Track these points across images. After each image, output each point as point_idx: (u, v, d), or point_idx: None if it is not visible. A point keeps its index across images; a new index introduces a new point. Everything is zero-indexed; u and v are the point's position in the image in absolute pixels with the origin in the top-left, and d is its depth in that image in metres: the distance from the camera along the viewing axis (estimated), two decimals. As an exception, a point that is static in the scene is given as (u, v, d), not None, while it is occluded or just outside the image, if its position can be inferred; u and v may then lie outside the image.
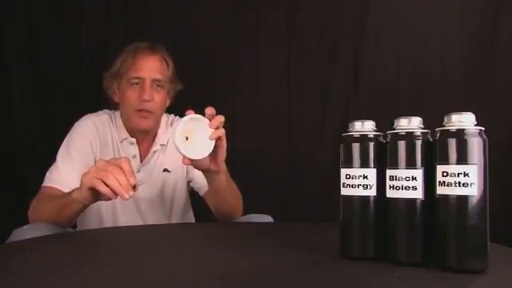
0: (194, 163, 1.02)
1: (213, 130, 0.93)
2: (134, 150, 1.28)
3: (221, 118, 0.95)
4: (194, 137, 0.92)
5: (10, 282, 0.53)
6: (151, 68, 1.24)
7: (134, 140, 1.28)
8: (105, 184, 0.88)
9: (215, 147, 0.96)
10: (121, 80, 1.26)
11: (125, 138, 1.27)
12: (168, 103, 1.32)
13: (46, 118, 1.80)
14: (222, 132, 0.95)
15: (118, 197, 0.89)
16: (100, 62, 1.82)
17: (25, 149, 1.79)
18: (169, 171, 1.31)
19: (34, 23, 1.81)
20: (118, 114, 1.31)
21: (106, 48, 1.83)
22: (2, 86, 1.79)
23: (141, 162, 1.29)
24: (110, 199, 0.92)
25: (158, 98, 1.25)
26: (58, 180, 1.15)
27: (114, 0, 1.84)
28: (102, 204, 1.24)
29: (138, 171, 1.27)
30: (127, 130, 1.28)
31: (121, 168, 0.89)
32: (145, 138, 1.29)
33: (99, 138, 1.26)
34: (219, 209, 1.22)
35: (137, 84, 1.23)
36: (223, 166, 1.06)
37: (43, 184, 1.17)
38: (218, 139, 0.95)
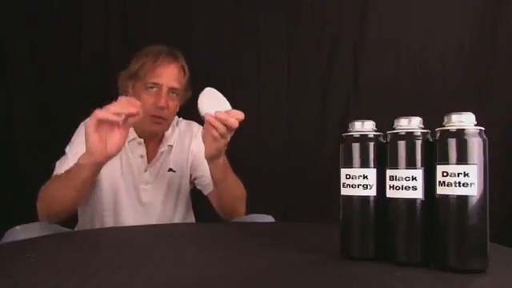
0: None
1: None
2: (142, 150, 1.28)
3: (236, 115, 0.96)
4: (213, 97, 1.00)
5: (10, 282, 0.53)
6: (170, 76, 1.24)
7: (141, 140, 1.28)
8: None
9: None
10: (136, 82, 1.25)
11: (133, 139, 1.27)
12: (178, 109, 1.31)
13: (46, 117, 1.80)
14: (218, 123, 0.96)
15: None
16: (100, 62, 1.82)
17: (25, 149, 1.79)
18: (173, 171, 1.31)
19: (34, 23, 1.81)
20: None
21: (106, 48, 1.83)
22: (2, 86, 1.79)
23: (148, 162, 1.29)
24: (117, 149, 0.94)
25: (173, 106, 1.25)
26: (63, 169, 1.12)
27: (114, 0, 1.84)
28: (106, 204, 1.25)
29: (145, 171, 1.28)
30: (135, 131, 1.27)
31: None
32: (152, 138, 1.30)
33: None
34: (222, 204, 1.22)
35: (152, 89, 1.22)
36: (218, 160, 1.06)
37: (53, 174, 1.16)
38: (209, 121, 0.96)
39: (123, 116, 0.92)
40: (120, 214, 1.26)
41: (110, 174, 1.23)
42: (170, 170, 1.31)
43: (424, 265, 0.59)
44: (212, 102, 0.99)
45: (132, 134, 1.27)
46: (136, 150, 1.28)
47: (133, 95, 1.27)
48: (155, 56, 1.24)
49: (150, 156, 1.30)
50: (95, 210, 1.26)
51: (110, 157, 0.95)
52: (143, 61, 1.24)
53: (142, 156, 1.28)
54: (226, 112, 0.95)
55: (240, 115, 0.95)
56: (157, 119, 1.23)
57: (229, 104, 0.97)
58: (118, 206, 1.26)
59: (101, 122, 0.90)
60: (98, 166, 0.97)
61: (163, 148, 1.31)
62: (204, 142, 1.05)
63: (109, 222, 1.25)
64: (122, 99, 0.94)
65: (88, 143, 0.92)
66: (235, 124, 0.96)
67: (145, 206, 1.29)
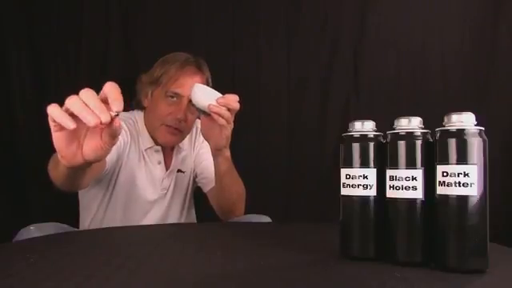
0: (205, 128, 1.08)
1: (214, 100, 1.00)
2: (160, 156, 1.27)
3: (234, 97, 1.01)
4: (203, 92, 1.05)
5: (10, 282, 0.53)
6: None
7: (159, 148, 1.27)
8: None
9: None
10: (157, 88, 1.22)
11: (150, 147, 1.26)
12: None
13: (45, 117, 1.80)
14: (220, 110, 0.99)
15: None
16: (100, 62, 1.82)
17: (25, 149, 1.79)
18: (182, 172, 1.31)
19: (33, 23, 1.81)
20: (140, 117, 1.28)
21: (106, 48, 1.83)
22: (2, 86, 1.79)
23: (166, 169, 1.28)
24: (94, 156, 0.68)
25: (191, 119, 1.22)
26: None
27: (114, 0, 1.84)
28: (118, 208, 1.24)
29: (165, 177, 1.28)
30: (152, 139, 1.26)
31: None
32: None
33: (128, 141, 1.22)
34: (223, 202, 1.22)
35: (172, 98, 1.20)
36: (224, 152, 1.10)
37: None
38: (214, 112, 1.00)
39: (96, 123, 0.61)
40: (130, 218, 1.25)
41: (130, 181, 1.22)
42: (179, 170, 1.31)
43: (424, 265, 0.59)
44: (206, 94, 1.01)
45: (148, 142, 1.26)
46: (153, 156, 1.27)
47: (150, 102, 1.25)
48: (180, 64, 1.21)
49: (167, 161, 1.29)
50: (105, 213, 1.25)
51: (87, 162, 0.70)
52: (167, 68, 1.21)
53: (159, 162, 1.27)
54: (223, 97, 1.00)
55: (236, 97, 1.01)
56: (171, 130, 1.21)
57: (219, 93, 1.02)
58: (131, 211, 1.25)
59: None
60: (75, 168, 0.73)
61: (181, 152, 1.30)
62: (209, 136, 1.07)
63: (117, 223, 1.25)
64: (107, 87, 0.64)
65: (54, 144, 0.68)
66: (237, 105, 1.01)
67: (158, 211, 1.28)
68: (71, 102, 0.63)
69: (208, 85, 1.26)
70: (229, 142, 1.07)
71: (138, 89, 1.27)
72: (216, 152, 1.09)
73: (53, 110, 0.64)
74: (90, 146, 0.68)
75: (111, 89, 0.63)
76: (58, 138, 0.67)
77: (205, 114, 1.03)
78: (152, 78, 1.23)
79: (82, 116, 0.61)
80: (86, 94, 0.63)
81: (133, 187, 1.23)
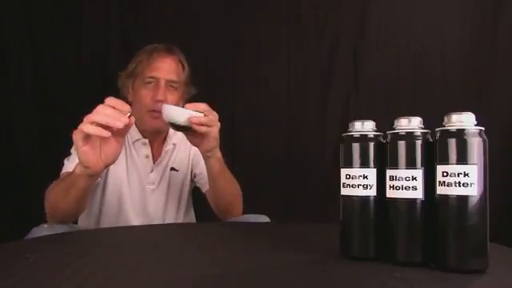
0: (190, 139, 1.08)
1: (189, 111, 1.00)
2: (147, 150, 1.28)
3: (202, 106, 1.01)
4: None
5: (10, 282, 0.53)
6: (166, 69, 1.25)
7: (146, 141, 1.28)
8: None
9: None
10: (135, 79, 1.27)
11: (137, 140, 1.27)
12: (181, 106, 1.30)
13: (46, 118, 1.80)
14: (194, 115, 0.99)
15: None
16: (100, 62, 1.82)
17: (25, 149, 1.79)
18: (176, 170, 1.32)
19: (34, 23, 1.81)
20: None
21: (106, 48, 1.83)
22: (2, 86, 1.78)
23: (153, 162, 1.29)
24: (113, 158, 0.87)
25: (172, 99, 1.25)
26: (71, 166, 1.10)
27: (114, 0, 1.84)
28: (110, 205, 1.24)
29: (151, 171, 1.28)
30: (139, 131, 1.28)
31: (105, 105, 0.82)
32: (156, 138, 1.30)
33: None
34: (219, 202, 1.22)
35: (150, 83, 1.24)
36: (215, 153, 1.10)
37: (61, 172, 1.15)
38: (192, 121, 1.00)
39: (115, 128, 0.82)
40: (124, 214, 1.26)
41: (115, 176, 1.23)
42: (173, 169, 1.31)
43: (424, 265, 0.59)
44: (178, 111, 1.04)
45: (136, 134, 1.27)
46: (141, 150, 1.28)
47: (133, 95, 1.28)
48: (150, 51, 1.27)
49: (155, 156, 1.30)
50: (99, 211, 1.26)
51: (106, 166, 0.90)
52: (139, 58, 1.27)
53: (147, 156, 1.28)
54: (193, 105, 1.01)
55: (204, 105, 1.01)
56: (155, 113, 1.22)
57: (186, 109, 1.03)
58: (123, 206, 1.26)
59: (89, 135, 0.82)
60: (95, 176, 0.93)
61: (168, 147, 1.31)
62: (196, 143, 1.08)
63: (113, 222, 1.25)
64: (109, 101, 0.82)
65: (79, 157, 0.85)
66: (208, 108, 1.01)
67: (149, 207, 1.29)
68: (95, 116, 0.80)
69: (183, 65, 1.30)
70: (218, 142, 1.07)
71: (120, 86, 1.31)
72: (207, 154, 1.10)
73: (88, 127, 0.80)
74: (108, 151, 0.87)
75: (114, 99, 0.82)
76: (84, 153, 0.84)
77: (183, 129, 1.04)
78: (128, 71, 1.29)
79: (111, 123, 0.80)
80: (104, 107, 0.81)
81: (121, 185, 1.24)
